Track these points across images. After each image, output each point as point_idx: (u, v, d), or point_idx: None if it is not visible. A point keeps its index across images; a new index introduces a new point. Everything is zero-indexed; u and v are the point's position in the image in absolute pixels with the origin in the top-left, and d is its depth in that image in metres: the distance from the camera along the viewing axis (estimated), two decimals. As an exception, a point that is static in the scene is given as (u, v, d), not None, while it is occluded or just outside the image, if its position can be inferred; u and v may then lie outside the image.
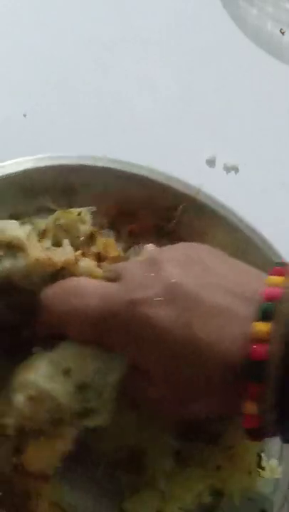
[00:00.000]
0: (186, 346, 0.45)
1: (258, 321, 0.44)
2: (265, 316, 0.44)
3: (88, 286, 0.49)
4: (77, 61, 0.80)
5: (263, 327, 0.44)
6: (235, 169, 0.77)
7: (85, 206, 0.59)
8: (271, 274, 0.47)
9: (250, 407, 0.44)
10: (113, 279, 0.50)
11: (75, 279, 0.50)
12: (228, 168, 0.77)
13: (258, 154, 0.78)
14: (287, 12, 0.87)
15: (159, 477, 0.53)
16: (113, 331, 0.47)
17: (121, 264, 0.52)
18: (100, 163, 0.64)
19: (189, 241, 0.57)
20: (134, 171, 0.65)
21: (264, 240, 0.65)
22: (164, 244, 0.56)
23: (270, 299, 0.45)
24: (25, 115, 0.75)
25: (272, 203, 0.76)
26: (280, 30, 0.86)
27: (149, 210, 0.64)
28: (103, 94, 0.78)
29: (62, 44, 0.80)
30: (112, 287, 0.48)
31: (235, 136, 0.79)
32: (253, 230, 0.66)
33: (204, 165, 0.77)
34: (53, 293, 0.50)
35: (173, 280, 0.46)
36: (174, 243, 0.54)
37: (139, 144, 0.76)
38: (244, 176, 0.77)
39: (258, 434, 0.46)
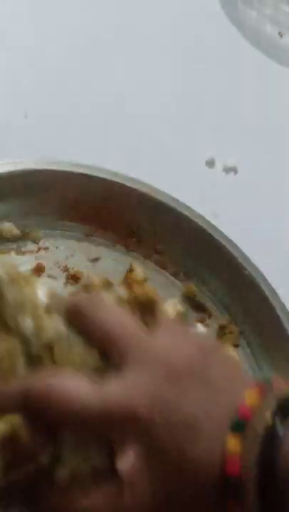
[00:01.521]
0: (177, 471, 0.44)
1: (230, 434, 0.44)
2: (237, 429, 0.44)
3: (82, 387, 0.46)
4: (78, 61, 0.80)
5: (234, 445, 0.44)
6: (235, 170, 0.77)
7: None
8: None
9: None
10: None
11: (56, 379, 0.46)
12: (227, 169, 0.77)
13: (257, 155, 0.78)
14: (285, 14, 0.87)
15: None
16: (111, 430, 0.45)
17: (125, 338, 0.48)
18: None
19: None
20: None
21: (224, 237, 0.67)
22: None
23: (242, 416, 0.44)
24: (26, 116, 0.75)
25: (272, 203, 0.76)
26: (279, 33, 0.87)
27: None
28: (103, 94, 0.79)
29: (62, 44, 0.80)
30: (111, 389, 0.45)
31: (234, 137, 0.79)
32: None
33: (204, 166, 0.77)
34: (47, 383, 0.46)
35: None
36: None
37: (139, 144, 0.76)
38: (243, 176, 0.77)
39: None
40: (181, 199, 0.68)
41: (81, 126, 0.76)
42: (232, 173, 0.78)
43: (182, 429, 0.44)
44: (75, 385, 0.45)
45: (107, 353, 0.46)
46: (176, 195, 0.68)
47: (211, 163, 0.77)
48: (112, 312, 0.48)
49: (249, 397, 0.45)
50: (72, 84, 0.79)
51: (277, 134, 0.81)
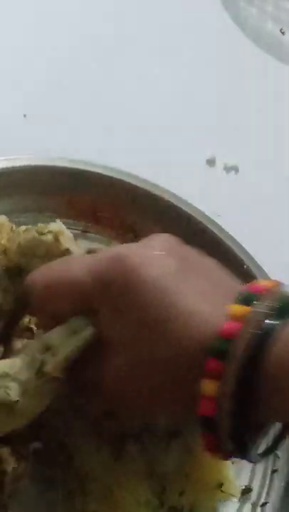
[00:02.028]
0: (162, 311, 0.45)
1: (235, 303, 0.44)
2: (241, 301, 0.44)
3: (75, 259, 0.51)
4: (77, 61, 0.80)
5: (238, 308, 0.44)
6: (235, 169, 0.77)
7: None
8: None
9: (209, 385, 0.42)
10: None
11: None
12: (228, 168, 0.77)
13: (258, 154, 0.78)
14: (287, 12, 0.87)
15: (85, 477, 0.52)
16: (99, 296, 0.46)
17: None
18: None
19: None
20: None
21: (221, 229, 0.66)
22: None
23: (255, 290, 0.45)
24: (25, 115, 0.75)
25: (273, 202, 0.75)
26: (280, 30, 0.86)
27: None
28: (103, 94, 0.78)
29: (62, 44, 0.80)
30: (99, 258, 0.48)
31: (235, 136, 0.79)
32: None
33: (204, 165, 0.77)
34: (40, 272, 0.50)
35: (163, 254, 0.47)
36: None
37: (139, 144, 0.76)
38: (244, 175, 0.77)
39: (212, 431, 0.44)
40: (191, 202, 0.67)
41: (80, 126, 0.76)
42: (233, 172, 0.77)
43: (173, 295, 0.45)
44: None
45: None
46: (177, 194, 0.67)
47: (211, 162, 0.77)
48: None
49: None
50: (71, 84, 0.79)
51: (279, 132, 0.80)
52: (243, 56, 0.84)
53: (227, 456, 0.46)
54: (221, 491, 0.54)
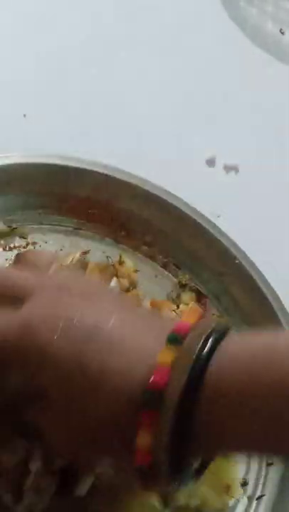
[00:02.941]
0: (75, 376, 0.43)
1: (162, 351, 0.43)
2: (172, 342, 0.43)
3: None
4: (77, 61, 0.80)
5: (166, 356, 0.42)
6: (235, 169, 0.77)
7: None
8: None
9: (143, 438, 0.41)
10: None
11: None
12: (228, 168, 0.77)
13: (258, 154, 0.78)
14: (287, 12, 0.87)
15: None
16: (8, 355, 0.45)
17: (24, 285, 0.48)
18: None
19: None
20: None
21: (217, 228, 0.66)
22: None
23: (179, 331, 0.43)
24: (25, 115, 0.75)
25: (273, 202, 0.75)
26: (280, 30, 0.86)
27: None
28: (103, 94, 0.78)
29: (62, 44, 0.80)
30: (8, 319, 0.46)
31: (235, 136, 0.78)
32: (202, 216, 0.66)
33: (204, 165, 0.76)
34: None
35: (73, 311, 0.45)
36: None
37: (139, 143, 0.76)
38: (244, 176, 0.76)
39: (149, 477, 0.43)
40: (182, 198, 0.67)
41: (80, 126, 0.76)
42: (233, 172, 0.77)
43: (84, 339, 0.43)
44: None
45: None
46: (176, 194, 0.67)
47: (211, 162, 0.77)
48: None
49: (183, 321, 0.44)
50: (71, 84, 0.79)
51: (279, 132, 0.80)
52: (243, 56, 0.84)
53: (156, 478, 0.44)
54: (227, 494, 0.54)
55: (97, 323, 0.44)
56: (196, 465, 0.44)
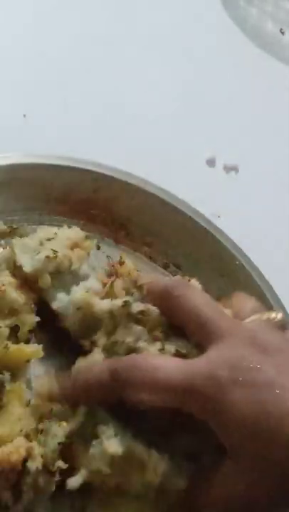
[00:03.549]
0: (258, 422, 0.45)
1: None
2: None
3: (167, 362, 0.49)
4: (77, 61, 0.80)
5: None
6: (235, 169, 0.77)
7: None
8: None
9: None
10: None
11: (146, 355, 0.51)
12: (228, 168, 0.77)
13: (258, 154, 0.78)
14: (287, 12, 0.87)
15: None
16: (193, 402, 0.47)
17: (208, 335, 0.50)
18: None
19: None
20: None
21: (217, 229, 0.66)
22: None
23: None
24: (24, 115, 0.75)
25: (273, 202, 0.75)
26: (280, 30, 0.86)
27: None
28: (103, 94, 0.78)
29: (62, 44, 0.80)
30: (195, 363, 0.48)
31: (235, 136, 0.78)
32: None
33: (204, 165, 0.77)
34: (125, 365, 0.49)
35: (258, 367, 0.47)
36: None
37: (139, 143, 0.75)
38: (244, 175, 0.76)
39: None
40: (182, 198, 0.67)
41: (80, 126, 0.76)
42: (233, 172, 0.77)
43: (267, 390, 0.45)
44: (159, 361, 0.48)
45: (192, 335, 0.49)
46: (176, 194, 0.67)
47: (211, 162, 0.77)
48: (202, 296, 0.51)
49: None
50: (71, 84, 0.79)
51: (279, 132, 0.80)
52: (243, 56, 0.84)
53: None
54: None
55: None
56: None
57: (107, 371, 0.48)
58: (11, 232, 0.64)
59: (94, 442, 0.48)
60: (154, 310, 0.52)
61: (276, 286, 0.64)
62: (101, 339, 0.52)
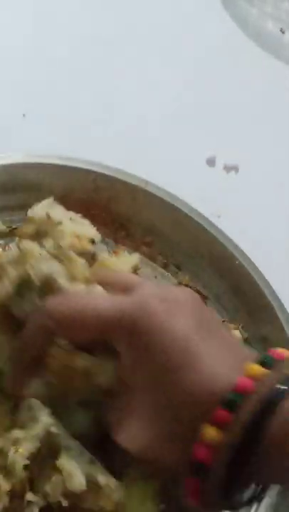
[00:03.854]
0: (183, 358, 0.45)
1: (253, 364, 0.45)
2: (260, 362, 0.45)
3: (99, 295, 0.50)
4: (77, 61, 0.80)
5: (256, 368, 0.45)
6: (235, 169, 0.77)
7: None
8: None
9: (210, 433, 0.43)
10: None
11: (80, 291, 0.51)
12: (228, 168, 0.76)
13: (258, 154, 0.78)
14: (287, 12, 0.87)
15: None
16: (120, 333, 0.47)
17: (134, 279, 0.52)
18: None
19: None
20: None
21: (217, 229, 0.66)
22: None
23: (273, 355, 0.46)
24: (24, 115, 0.75)
25: (273, 202, 0.75)
26: (280, 30, 0.86)
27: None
28: (103, 94, 0.78)
29: (62, 44, 0.80)
30: (124, 297, 0.49)
31: (236, 136, 0.78)
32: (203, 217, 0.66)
33: (204, 165, 0.76)
34: (61, 299, 0.49)
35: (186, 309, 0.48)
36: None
37: (139, 143, 0.75)
38: (244, 175, 0.76)
39: (202, 477, 0.44)
40: (182, 198, 0.67)
41: (80, 126, 0.76)
42: (233, 171, 0.77)
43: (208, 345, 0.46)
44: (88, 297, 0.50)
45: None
46: (176, 194, 0.67)
47: (211, 162, 0.77)
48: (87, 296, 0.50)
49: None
50: (71, 84, 0.79)
51: (279, 132, 0.80)
52: (243, 56, 0.84)
53: (206, 505, 0.46)
54: None
55: (199, 326, 0.47)
56: (250, 492, 0.46)
57: (40, 316, 0.49)
58: (11, 233, 0.64)
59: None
60: None
61: (276, 286, 0.64)
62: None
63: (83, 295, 0.50)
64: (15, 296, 0.50)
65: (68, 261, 0.51)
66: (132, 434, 0.47)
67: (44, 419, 0.49)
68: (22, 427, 0.49)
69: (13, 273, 0.50)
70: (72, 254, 0.52)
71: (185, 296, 0.49)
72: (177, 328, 0.46)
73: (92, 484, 0.48)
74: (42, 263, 0.50)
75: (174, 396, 0.45)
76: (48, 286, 0.50)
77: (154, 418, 0.46)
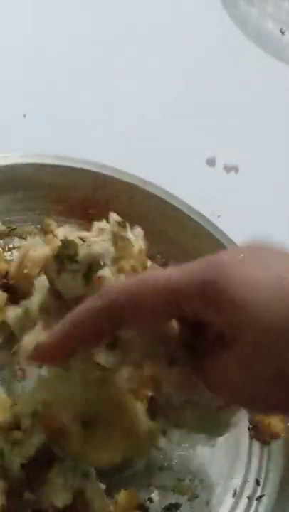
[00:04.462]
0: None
1: None
2: None
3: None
4: (77, 61, 0.80)
5: None
6: (235, 169, 0.77)
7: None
8: None
9: None
10: None
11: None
12: (228, 168, 0.77)
13: (258, 154, 0.78)
14: (287, 12, 0.87)
15: None
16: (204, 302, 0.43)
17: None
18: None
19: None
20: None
21: (217, 229, 0.66)
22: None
23: None
24: (25, 115, 0.75)
25: (272, 202, 0.75)
26: (280, 30, 0.86)
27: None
28: (103, 94, 0.78)
29: (62, 44, 0.80)
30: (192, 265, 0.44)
31: (235, 136, 0.78)
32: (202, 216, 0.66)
33: (204, 165, 0.77)
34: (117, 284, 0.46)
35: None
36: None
37: (139, 143, 0.75)
38: (244, 175, 0.76)
39: None
40: (182, 198, 0.67)
41: (81, 126, 0.76)
42: (233, 171, 0.77)
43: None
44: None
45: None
46: (176, 194, 0.67)
47: (211, 162, 0.77)
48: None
49: None
50: (72, 84, 0.79)
51: (279, 132, 0.80)
52: (243, 56, 0.84)
53: None
54: None
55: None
56: None
57: (99, 298, 0.44)
58: (10, 233, 0.64)
59: None
60: None
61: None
62: None
63: (147, 274, 0.47)
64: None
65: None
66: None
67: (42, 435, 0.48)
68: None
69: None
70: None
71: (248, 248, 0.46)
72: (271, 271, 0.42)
73: (80, 498, 0.48)
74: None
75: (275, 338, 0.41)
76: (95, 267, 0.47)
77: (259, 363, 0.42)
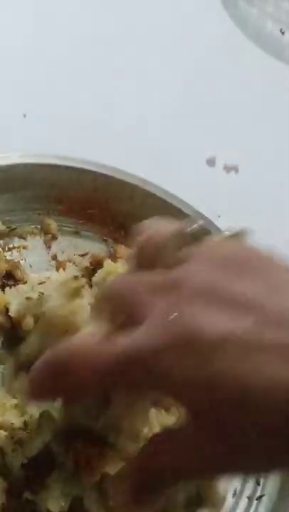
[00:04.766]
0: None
1: None
2: None
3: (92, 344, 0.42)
4: (77, 61, 0.80)
5: None
6: (235, 169, 0.77)
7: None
8: None
9: None
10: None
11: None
12: (228, 168, 0.76)
13: (258, 154, 0.78)
14: (287, 12, 0.87)
15: None
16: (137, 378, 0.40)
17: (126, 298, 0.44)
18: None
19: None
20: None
21: (216, 229, 0.65)
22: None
23: None
24: (25, 115, 0.75)
25: (272, 202, 0.75)
26: (280, 30, 0.86)
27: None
28: (103, 94, 0.78)
29: (62, 44, 0.80)
30: (124, 340, 0.41)
31: (235, 136, 0.78)
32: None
33: (204, 165, 0.76)
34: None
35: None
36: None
37: (139, 143, 0.75)
38: (244, 176, 0.76)
39: None
40: (182, 198, 0.67)
41: (80, 126, 0.75)
42: (233, 172, 0.77)
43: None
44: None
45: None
46: (176, 194, 0.67)
47: (211, 162, 0.77)
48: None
49: None
50: (72, 84, 0.79)
51: (279, 132, 0.80)
52: (242, 56, 0.84)
53: None
54: None
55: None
56: None
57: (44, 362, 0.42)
58: (10, 233, 0.64)
59: None
60: None
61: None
62: None
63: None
64: None
65: None
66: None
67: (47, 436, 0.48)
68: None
69: None
70: None
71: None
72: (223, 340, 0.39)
73: (78, 507, 0.48)
74: None
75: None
76: None
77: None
